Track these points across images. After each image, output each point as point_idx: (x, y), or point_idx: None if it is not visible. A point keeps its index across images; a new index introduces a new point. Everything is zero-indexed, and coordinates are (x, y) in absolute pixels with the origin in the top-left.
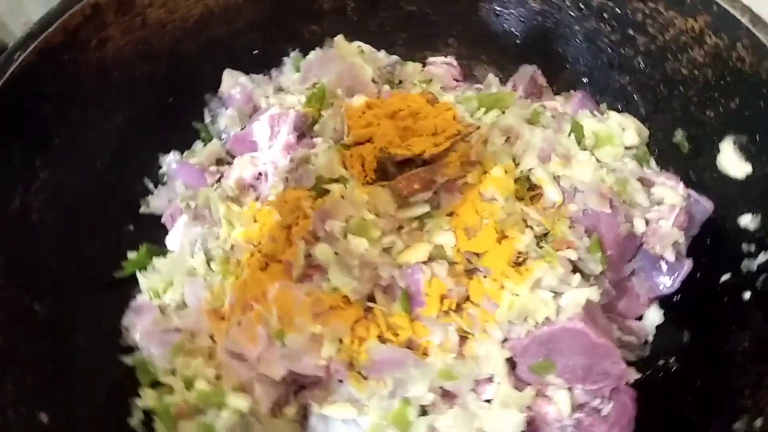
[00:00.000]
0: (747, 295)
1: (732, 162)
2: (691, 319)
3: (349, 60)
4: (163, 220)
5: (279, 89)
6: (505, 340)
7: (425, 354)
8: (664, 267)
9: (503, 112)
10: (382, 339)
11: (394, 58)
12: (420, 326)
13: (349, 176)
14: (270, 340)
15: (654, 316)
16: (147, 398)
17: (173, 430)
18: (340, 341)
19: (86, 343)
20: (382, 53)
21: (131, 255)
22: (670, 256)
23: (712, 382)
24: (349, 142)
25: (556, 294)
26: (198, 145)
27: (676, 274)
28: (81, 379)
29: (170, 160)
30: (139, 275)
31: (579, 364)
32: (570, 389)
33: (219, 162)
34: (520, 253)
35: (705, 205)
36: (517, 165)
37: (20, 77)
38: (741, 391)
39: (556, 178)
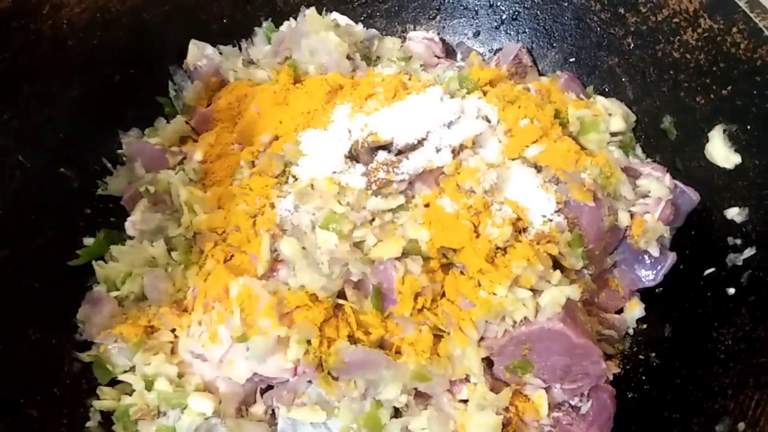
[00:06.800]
0: (731, 290)
1: (721, 152)
2: (672, 313)
3: (323, 35)
4: (122, 202)
5: (249, 62)
6: (481, 339)
7: (398, 353)
8: (647, 260)
9: (485, 93)
10: (352, 338)
11: (372, 32)
12: (393, 324)
13: None
14: (233, 340)
15: (635, 310)
16: (105, 398)
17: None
18: (308, 342)
19: (38, 339)
20: (360, 27)
21: (87, 241)
22: (655, 251)
23: (693, 381)
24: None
25: (536, 292)
26: (161, 121)
27: (659, 267)
28: (33, 380)
29: (130, 140)
30: (95, 265)
31: (558, 364)
32: (548, 388)
33: (183, 140)
34: (498, 248)
35: (691, 197)
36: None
37: None
38: (723, 391)
39: (537, 167)
